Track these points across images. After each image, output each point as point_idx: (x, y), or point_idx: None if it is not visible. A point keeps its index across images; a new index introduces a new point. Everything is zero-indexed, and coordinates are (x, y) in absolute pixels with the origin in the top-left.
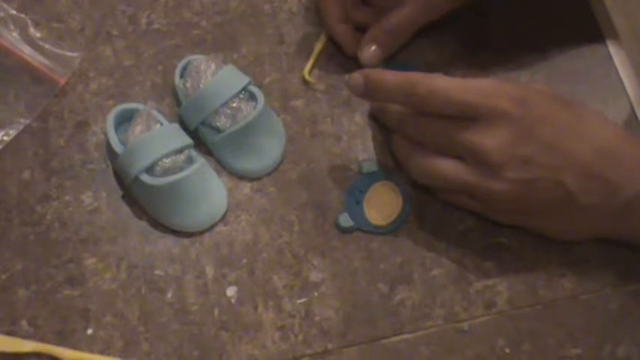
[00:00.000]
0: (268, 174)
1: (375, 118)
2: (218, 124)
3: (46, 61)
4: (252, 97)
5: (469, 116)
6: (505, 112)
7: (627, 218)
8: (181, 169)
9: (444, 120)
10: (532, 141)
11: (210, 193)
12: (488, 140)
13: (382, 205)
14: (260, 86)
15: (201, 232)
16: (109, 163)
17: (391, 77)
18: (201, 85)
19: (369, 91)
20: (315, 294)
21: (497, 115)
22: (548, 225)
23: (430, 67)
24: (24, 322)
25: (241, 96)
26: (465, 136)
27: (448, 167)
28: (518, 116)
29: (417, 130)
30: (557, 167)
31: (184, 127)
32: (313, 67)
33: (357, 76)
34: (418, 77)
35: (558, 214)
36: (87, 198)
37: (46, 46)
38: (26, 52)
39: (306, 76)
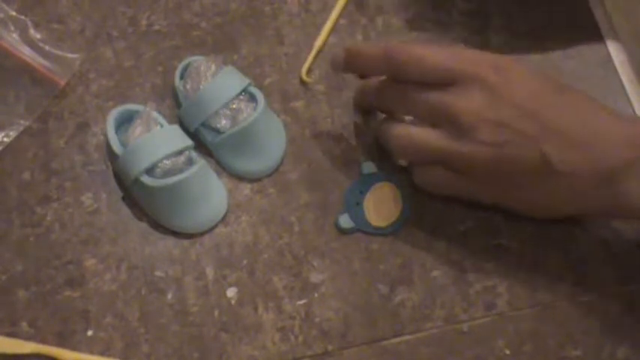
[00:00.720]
0: (268, 175)
1: (361, 112)
2: (218, 125)
3: (46, 63)
4: (253, 98)
5: (446, 82)
6: (481, 78)
7: (606, 191)
8: (181, 170)
9: (421, 86)
10: (507, 105)
11: (210, 194)
12: (462, 103)
13: (382, 206)
14: (260, 87)
15: (202, 234)
16: (109, 164)
17: (370, 46)
18: (202, 87)
19: (349, 62)
20: (316, 295)
21: (473, 80)
22: (528, 199)
23: None
24: (24, 324)
25: (241, 97)
26: (439, 98)
27: (423, 134)
28: (495, 82)
29: (395, 98)
30: (534, 134)
31: (184, 128)
32: (311, 66)
33: (337, 51)
34: (397, 44)
35: (537, 185)
36: (87, 199)
37: (46, 47)
38: (26, 53)
39: (304, 76)
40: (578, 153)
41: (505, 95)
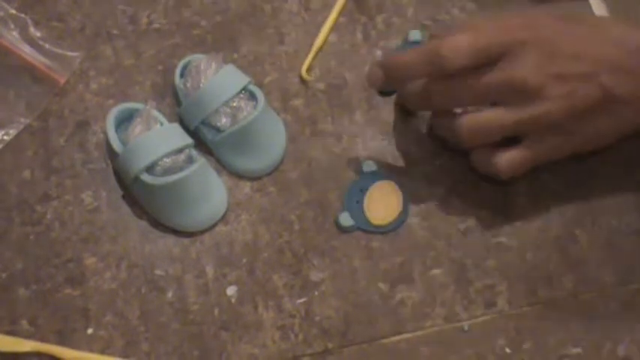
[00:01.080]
0: (268, 173)
1: (403, 112)
2: (218, 123)
3: (46, 61)
4: (253, 96)
5: (493, 59)
6: (524, 41)
7: None
8: (182, 168)
9: (473, 73)
10: (558, 57)
11: (210, 192)
12: (520, 70)
13: (382, 204)
14: (260, 86)
15: (202, 232)
16: (109, 162)
17: (408, 54)
18: (202, 85)
19: (391, 75)
20: (316, 293)
21: (518, 46)
22: (596, 131)
23: None
24: (24, 322)
25: (242, 95)
26: (497, 76)
27: (493, 114)
28: (537, 40)
29: (448, 94)
30: (589, 73)
31: (184, 126)
32: (311, 65)
33: (374, 69)
34: (434, 43)
35: (603, 115)
36: (87, 197)
37: (47, 45)
38: (26, 51)
39: (304, 74)
40: (631, 76)
41: (552, 47)
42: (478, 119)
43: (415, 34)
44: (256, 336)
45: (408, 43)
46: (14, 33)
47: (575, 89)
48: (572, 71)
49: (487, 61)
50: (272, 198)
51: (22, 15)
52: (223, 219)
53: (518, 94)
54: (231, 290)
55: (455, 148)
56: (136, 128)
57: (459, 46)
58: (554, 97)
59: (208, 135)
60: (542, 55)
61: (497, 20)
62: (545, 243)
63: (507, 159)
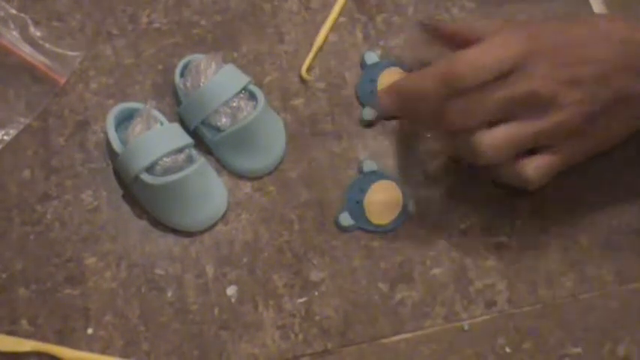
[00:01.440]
0: (268, 173)
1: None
2: (218, 123)
3: (46, 61)
4: (253, 96)
5: (504, 72)
6: (532, 52)
7: None
8: (182, 168)
9: (485, 90)
10: (567, 63)
11: (210, 192)
12: (532, 82)
13: (382, 204)
14: (260, 85)
15: (202, 231)
16: (109, 162)
17: (418, 78)
18: (202, 85)
19: (405, 104)
20: (316, 293)
21: (527, 59)
22: (610, 131)
23: None
24: (24, 322)
25: (241, 95)
26: (510, 90)
27: (513, 130)
28: (544, 49)
29: (461, 114)
30: (599, 75)
31: (184, 126)
32: (311, 64)
33: (384, 98)
34: (448, 62)
35: (615, 115)
36: (87, 197)
37: (46, 45)
38: (26, 51)
39: (304, 74)
40: (636, 73)
41: (557, 55)
42: (498, 135)
43: (372, 57)
44: (256, 335)
45: (367, 67)
46: (14, 33)
47: (588, 93)
48: (582, 76)
49: (498, 74)
50: (272, 197)
51: (22, 15)
52: (223, 219)
53: (534, 106)
54: (231, 290)
55: (470, 165)
56: (136, 128)
57: (475, 62)
58: (568, 104)
59: (208, 135)
60: (550, 64)
61: (504, 32)
62: (545, 243)
63: (535, 168)
